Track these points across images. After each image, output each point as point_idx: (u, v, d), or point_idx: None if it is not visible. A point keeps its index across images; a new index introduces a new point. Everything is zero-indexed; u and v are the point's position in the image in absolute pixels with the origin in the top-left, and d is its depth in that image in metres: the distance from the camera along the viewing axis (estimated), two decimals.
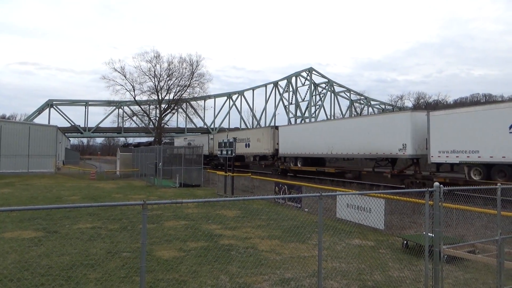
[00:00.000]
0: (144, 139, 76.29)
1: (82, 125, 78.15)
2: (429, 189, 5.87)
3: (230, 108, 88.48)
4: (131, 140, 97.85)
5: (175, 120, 62.52)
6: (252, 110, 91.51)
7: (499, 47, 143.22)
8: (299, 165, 30.76)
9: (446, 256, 6.61)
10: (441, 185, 5.88)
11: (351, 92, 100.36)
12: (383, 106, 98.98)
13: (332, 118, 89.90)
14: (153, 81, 50.67)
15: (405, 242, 9.55)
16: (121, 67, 51.93)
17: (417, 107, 77.66)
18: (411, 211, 13.28)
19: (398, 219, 12.57)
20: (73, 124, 77.60)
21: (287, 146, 31.66)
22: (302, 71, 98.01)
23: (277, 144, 32.96)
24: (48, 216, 12.73)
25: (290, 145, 31.30)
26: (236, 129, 72.32)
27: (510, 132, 16.20)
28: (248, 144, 36.06)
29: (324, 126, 29.69)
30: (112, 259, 7.96)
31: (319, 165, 30.01)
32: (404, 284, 6.77)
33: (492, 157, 17.04)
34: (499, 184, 6.90)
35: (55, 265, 7.48)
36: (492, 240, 7.05)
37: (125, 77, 49.56)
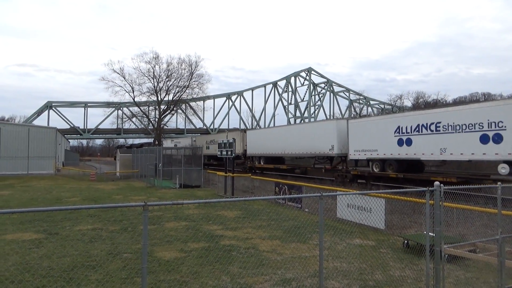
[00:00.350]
0: (143, 140, 76.32)
1: (82, 127, 78.16)
2: (430, 188, 5.88)
3: (229, 108, 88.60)
4: (130, 141, 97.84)
5: (175, 121, 62.50)
6: (251, 110, 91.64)
7: (498, 46, 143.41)
8: (262, 163, 36.00)
9: (447, 256, 6.62)
10: (442, 185, 5.89)
11: (350, 92, 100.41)
12: (382, 106, 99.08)
13: (332, 118, 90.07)
14: (152, 82, 50.73)
15: (405, 241, 9.56)
16: (120, 68, 52.22)
17: (416, 106, 77.75)
18: (411, 210, 13.28)
19: (398, 218, 12.57)
20: (72, 125, 77.64)
21: (253, 147, 36.78)
22: (301, 71, 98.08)
23: (246, 145, 37.89)
24: (48, 217, 12.73)
25: (255, 146, 36.43)
26: (234, 129, 72.37)
27: (394, 136, 22.16)
28: None
29: (280, 130, 35.03)
30: (113, 261, 7.96)
31: (277, 163, 34.94)
32: (406, 283, 6.78)
33: (385, 154, 22.88)
34: (499, 183, 6.91)
35: (56, 266, 7.48)
36: (493, 239, 7.06)
37: (124, 78, 49.62)
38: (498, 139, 17.33)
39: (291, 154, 32.31)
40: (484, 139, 17.95)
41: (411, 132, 21.38)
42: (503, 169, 17.29)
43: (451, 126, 19.40)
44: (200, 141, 46.24)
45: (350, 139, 25.30)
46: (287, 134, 32.55)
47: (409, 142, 21.48)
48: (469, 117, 18.63)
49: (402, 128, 21.89)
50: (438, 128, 20.02)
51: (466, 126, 18.75)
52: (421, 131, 20.88)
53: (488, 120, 17.78)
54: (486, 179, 19.26)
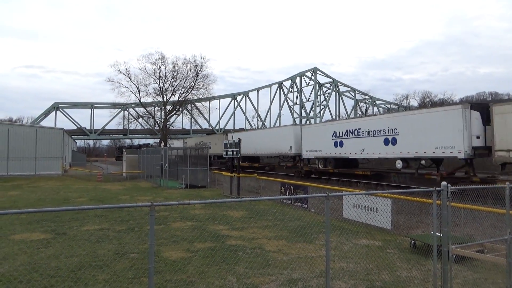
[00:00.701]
0: (149, 141, 76.66)
1: (88, 128, 78.65)
2: (437, 188, 5.84)
3: (235, 109, 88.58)
4: (136, 141, 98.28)
5: (180, 121, 62.58)
6: (256, 110, 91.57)
7: (504, 45, 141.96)
8: (240, 162, 39.91)
9: (454, 256, 6.57)
10: (449, 185, 5.85)
11: (356, 91, 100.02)
12: (388, 106, 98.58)
13: (338, 118, 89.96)
14: (158, 83, 50.81)
15: (412, 242, 9.51)
16: (126, 69, 52.02)
17: (422, 106, 77.21)
18: (418, 210, 13.20)
19: (405, 219, 12.50)
20: (79, 126, 78.14)
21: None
22: (307, 71, 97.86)
23: None
24: (56, 218, 12.83)
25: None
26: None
27: (332, 139, 28.22)
28: (210, 147, 45.00)
29: (255, 133, 41.61)
30: (120, 260, 8.00)
31: (253, 162, 40.29)
32: (413, 284, 6.74)
33: (326, 153, 28.86)
34: (508, 183, 6.85)
35: (64, 266, 7.54)
36: (501, 239, 6.99)
37: (130, 79, 49.74)
38: (394, 142, 22.76)
39: (262, 154, 38.77)
40: (386, 142, 23.41)
41: (343, 136, 27.36)
42: (398, 164, 22.67)
43: (367, 131, 25.07)
44: (190, 143, 50.48)
45: (303, 142, 31.47)
46: (259, 137, 38.95)
47: (341, 144, 27.46)
48: (377, 125, 24.29)
49: (337, 133, 27.94)
50: (359, 133, 25.84)
51: (375, 132, 24.31)
52: (349, 135, 26.81)
53: (388, 127, 23.29)
54: (391, 171, 24.89)
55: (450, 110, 20.04)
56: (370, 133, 24.69)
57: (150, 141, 74.61)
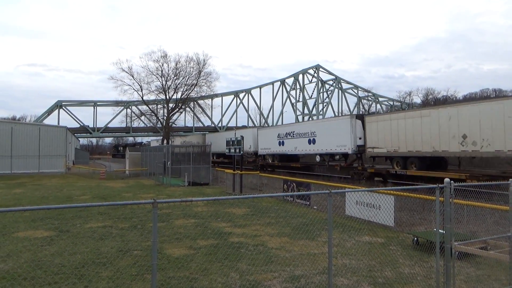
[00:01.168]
0: (152, 138, 76.82)
1: (91, 125, 78.88)
2: (440, 185, 5.83)
3: (237, 106, 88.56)
4: (139, 139, 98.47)
5: (183, 119, 62.69)
6: (259, 108, 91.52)
7: (509, 41, 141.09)
8: (214, 158, 45.76)
9: (457, 253, 6.56)
10: (452, 181, 5.83)
11: (359, 88, 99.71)
12: (391, 103, 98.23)
13: (339, 115, 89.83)
14: (161, 81, 50.85)
15: (415, 238, 9.50)
16: (128, 67, 52.02)
17: (425, 103, 76.87)
18: (421, 207, 13.18)
19: (408, 215, 12.49)
20: (82, 124, 78.36)
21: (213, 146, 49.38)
22: (309, 68, 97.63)
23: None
24: (59, 215, 12.89)
25: (213, 145, 45.35)
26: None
27: (277, 139, 36.00)
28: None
29: (225, 134, 46.07)
30: (123, 257, 8.04)
31: (225, 158, 44.57)
32: (415, 280, 6.74)
33: (273, 150, 36.89)
34: (511, 179, 6.82)
35: (68, 263, 7.59)
36: (504, 236, 6.98)
37: (132, 77, 49.79)
38: (314, 142, 30.54)
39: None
40: (309, 142, 31.19)
41: (283, 137, 35.14)
42: (317, 158, 31.09)
43: (298, 134, 33.05)
44: (177, 141, 52.81)
45: (259, 142, 39.38)
46: (230, 137, 43.84)
47: (283, 143, 35.16)
48: (304, 129, 32.35)
49: (280, 134, 35.91)
50: (293, 135, 33.84)
51: (303, 134, 32.29)
52: (287, 137, 34.69)
53: (310, 131, 31.26)
54: (315, 164, 32.58)
55: (344, 119, 28.38)
56: (300, 135, 32.61)
57: (151, 139, 74.55)
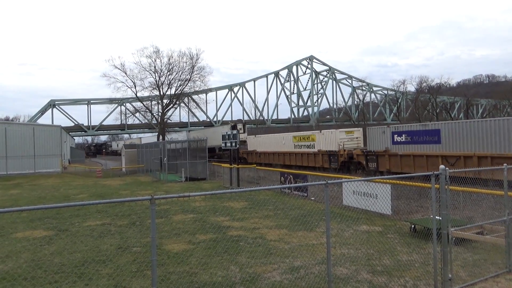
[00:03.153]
0: (147, 135, 76.70)
1: (86, 124, 78.49)
2: (435, 172, 5.87)
3: (232, 100, 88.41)
4: (134, 136, 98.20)
5: (178, 114, 62.51)
6: (254, 101, 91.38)
7: (500, 27, 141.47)
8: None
9: (454, 238, 6.64)
10: (447, 169, 5.88)
11: (353, 79, 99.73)
12: (385, 92, 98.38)
13: (335, 106, 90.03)
14: (154, 77, 50.56)
15: (412, 226, 9.59)
16: (121, 64, 51.83)
17: (420, 91, 77.10)
18: (417, 195, 13.29)
19: (405, 203, 12.59)
20: (76, 123, 77.95)
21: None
22: (303, 59, 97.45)
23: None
24: (57, 215, 12.88)
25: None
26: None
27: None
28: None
29: (200, 131, 52.70)
30: (123, 255, 8.06)
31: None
32: (413, 267, 6.81)
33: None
34: (505, 164, 6.89)
35: (68, 262, 7.59)
36: (500, 220, 7.06)
37: (125, 74, 49.45)
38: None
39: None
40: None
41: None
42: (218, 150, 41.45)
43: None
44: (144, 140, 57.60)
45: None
46: (208, 133, 48.65)
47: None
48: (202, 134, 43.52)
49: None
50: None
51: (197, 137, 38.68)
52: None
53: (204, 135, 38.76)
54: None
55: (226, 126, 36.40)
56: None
57: (148, 135, 74.34)
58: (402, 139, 23.71)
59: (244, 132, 44.22)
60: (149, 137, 70.85)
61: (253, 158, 40.48)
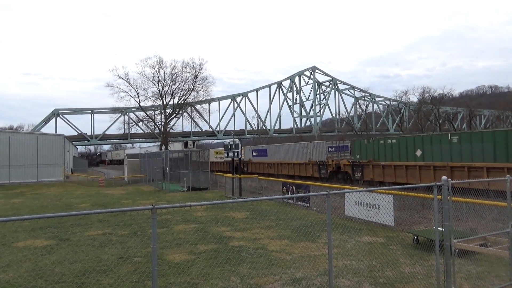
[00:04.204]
0: (150, 144, 76.85)
1: (89, 133, 78.76)
2: (437, 183, 5.85)
3: (234, 110, 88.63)
4: (137, 145, 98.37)
5: (181, 124, 62.72)
6: (256, 111, 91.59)
7: (502, 37, 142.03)
8: None
9: (457, 250, 6.58)
10: (449, 179, 5.86)
11: (355, 89, 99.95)
12: (388, 102, 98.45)
13: (338, 116, 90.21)
14: (157, 87, 50.97)
15: (415, 237, 9.52)
16: (124, 73, 52.14)
17: (422, 101, 77.12)
18: (420, 206, 13.21)
19: (407, 215, 12.51)
20: (80, 132, 78.24)
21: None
22: (305, 70, 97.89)
23: None
24: (59, 224, 12.86)
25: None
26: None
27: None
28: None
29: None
30: (124, 265, 8.03)
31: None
32: (416, 279, 6.75)
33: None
34: (508, 176, 6.86)
35: (68, 272, 7.57)
36: (503, 232, 7.00)
37: (129, 83, 49.90)
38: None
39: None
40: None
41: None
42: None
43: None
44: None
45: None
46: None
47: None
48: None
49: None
50: None
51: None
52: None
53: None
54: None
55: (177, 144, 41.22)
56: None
57: (151, 145, 74.43)
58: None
59: (193, 147, 50.67)
60: (148, 147, 71.31)
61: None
